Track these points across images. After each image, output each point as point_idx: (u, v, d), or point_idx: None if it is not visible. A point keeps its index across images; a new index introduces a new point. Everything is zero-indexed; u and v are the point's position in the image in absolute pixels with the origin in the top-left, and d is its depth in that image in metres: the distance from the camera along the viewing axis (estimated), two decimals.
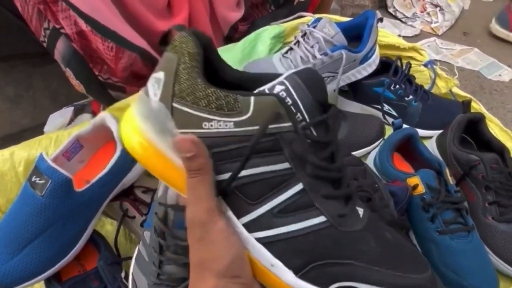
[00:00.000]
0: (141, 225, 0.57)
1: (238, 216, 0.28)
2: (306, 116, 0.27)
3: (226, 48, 0.71)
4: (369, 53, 0.68)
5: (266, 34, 0.73)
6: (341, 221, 0.28)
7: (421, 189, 0.54)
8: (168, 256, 0.45)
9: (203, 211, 0.27)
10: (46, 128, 0.72)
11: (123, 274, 0.53)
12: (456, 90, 0.76)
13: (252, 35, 0.73)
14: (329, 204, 0.28)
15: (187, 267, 0.46)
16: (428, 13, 1.10)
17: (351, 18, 0.72)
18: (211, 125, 0.26)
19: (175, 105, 0.27)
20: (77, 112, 0.75)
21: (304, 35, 0.64)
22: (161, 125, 0.27)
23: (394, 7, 1.10)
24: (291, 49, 0.65)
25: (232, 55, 0.70)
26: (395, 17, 1.11)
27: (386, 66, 0.72)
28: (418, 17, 1.09)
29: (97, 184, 0.50)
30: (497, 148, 0.61)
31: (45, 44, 0.60)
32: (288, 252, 0.27)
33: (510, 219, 0.56)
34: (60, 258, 0.48)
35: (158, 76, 0.28)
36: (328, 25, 0.62)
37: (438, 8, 1.10)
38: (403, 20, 1.09)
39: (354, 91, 0.75)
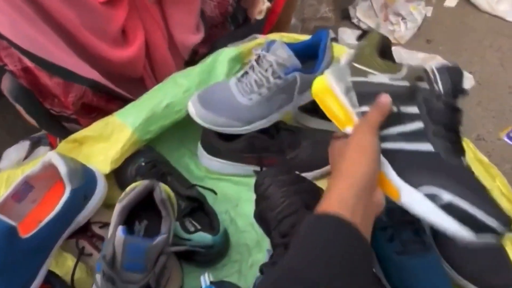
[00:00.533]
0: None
1: None
2: (441, 90, 0.40)
3: (183, 73, 0.70)
4: None
5: (223, 56, 0.72)
6: (445, 155, 0.39)
7: None
8: None
9: (369, 129, 0.40)
10: (1, 165, 0.70)
11: None
12: None
13: (210, 58, 0.72)
14: (439, 142, 0.39)
15: None
16: (391, 22, 1.11)
17: (306, 38, 0.72)
18: (374, 77, 0.43)
19: (354, 64, 0.45)
20: (34, 145, 0.73)
21: (258, 58, 0.64)
22: (340, 74, 0.45)
23: (357, 18, 1.11)
24: (246, 72, 0.65)
25: (189, 80, 0.69)
26: (359, 28, 1.12)
27: None
28: (382, 27, 1.10)
29: (46, 228, 0.49)
30: None
31: None
32: (399, 159, 0.40)
33: None
34: None
35: (349, 52, 0.47)
36: (280, 48, 0.62)
37: (400, 17, 1.12)
38: (366, 29, 1.11)
39: (315, 106, 0.75)
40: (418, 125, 0.40)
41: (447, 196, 0.36)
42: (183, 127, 0.77)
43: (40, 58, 0.54)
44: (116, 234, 0.44)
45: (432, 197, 0.37)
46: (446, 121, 0.39)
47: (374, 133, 0.40)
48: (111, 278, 0.43)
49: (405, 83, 0.41)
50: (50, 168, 0.53)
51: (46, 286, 0.53)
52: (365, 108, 0.42)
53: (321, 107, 0.47)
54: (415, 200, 0.38)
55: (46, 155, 0.53)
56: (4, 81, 0.58)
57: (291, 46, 0.64)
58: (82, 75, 0.59)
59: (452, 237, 0.37)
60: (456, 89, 0.40)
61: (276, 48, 0.62)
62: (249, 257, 0.63)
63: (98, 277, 0.47)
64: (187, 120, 0.74)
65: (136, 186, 0.50)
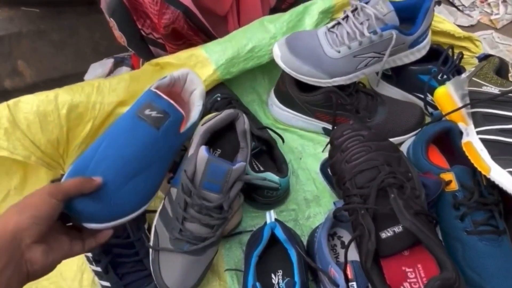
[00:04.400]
0: (168, 181, 0.58)
1: (476, 126, 0.54)
2: None
3: (271, 18, 0.69)
4: (420, 38, 0.64)
5: (314, 8, 0.70)
6: None
7: (454, 186, 0.52)
8: (191, 214, 0.46)
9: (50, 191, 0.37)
10: (86, 77, 0.74)
11: (146, 226, 0.54)
12: None
13: (301, 7, 0.70)
14: None
15: (209, 228, 0.47)
16: (489, 4, 1.01)
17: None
18: (487, 88, 0.55)
19: (473, 78, 0.57)
20: (116, 64, 0.75)
21: (354, 10, 0.61)
22: (460, 85, 0.58)
23: None
24: (338, 23, 0.63)
25: (277, 26, 0.67)
26: (452, 4, 1.03)
27: (435, 53, 0.68)
28: (477, 7, 1.01)
29: (189, 130, 0.49)
30: None
31: None
32: (494, 147, 0.51)
33: None
34: (148, 199, 0.46)
35: (470, 69, 0.60)
36: (381, 2, 0.59)
37: (501, 0, 1.02)
38: (460, 8, 1.02)
39: (397, 75, 0.72)
40: None
41: None
42: (256, 73, 0.77)
43: None
44: (199, 152, 0.45)
45: None
46: None
47: (52, 196, 0.36)
48: (190, 192, 0.45)
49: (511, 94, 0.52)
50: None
51: None
52: (474, 109, 0.55)
53: (439, 107, 0.62)
54: (501, 175, 0.48)
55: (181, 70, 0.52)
56: None
57: (391, 3, 0.60)
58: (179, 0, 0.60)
59: None
60: None
61: (376, 1, 0.59)
62: (306, 209, 0.63)
63: (174, 190, 0.48)
64: (263, 67, 0.73)
65: (219, 114, 0.51)
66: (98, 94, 0.56)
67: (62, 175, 0.59)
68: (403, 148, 0.66)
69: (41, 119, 0.53)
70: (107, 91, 0.57)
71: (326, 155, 0.55)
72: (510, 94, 0.52)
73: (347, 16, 0.61)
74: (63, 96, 0.55)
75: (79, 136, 0.56)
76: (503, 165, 0.49)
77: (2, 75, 0.76)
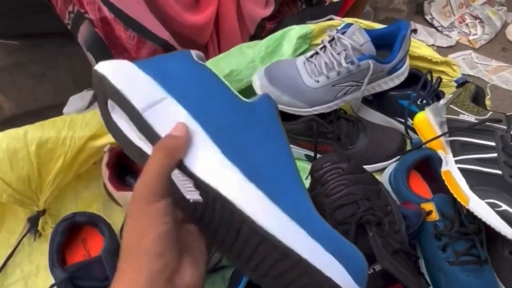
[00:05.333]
0: None
1: (454, 155, 0.54)
2: None
3: (249, 44, 0.69)
4: (398, 65, 0.65)
5: (292, 33, 0.70)
6: (509, 179, 0.49)
7: (435, 216, 0.51)
8: None
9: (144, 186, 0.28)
10: (65, 109, 0.73)
11: None
12: None
13: (279, 33, 0.71)
14: (507, 168, 0.49)
15: None
16: (467, 25, 1.04)
17: (383, 26, 0.69)
18: (463, 116, 0.55)
19: (451, 106, 0.57)
20: (96, 97, 0.75)
21: (331, 40, 0.62)
22: (438, 112, 0.58)
23: (431, 15, 1.05)
24: (316, 53, 0.63)
25: (255, 50, 0.68)
26: (431, 25, 1.06)
27: (415, 78, 0.69)
28: (456, 28, 1.03)
29: None
30: None
31: (69, 27, 0.60)
32: (472, 177, 0.50)
33: None
34: None
35: (448, 96, 0.60)
36: (357, 33, 0.59)
37: (478, 20, 1.04)
38: (439, 29, 1.04)
39: (378, 101, 0.72)
40: (493, 155, 0.51)
41: (504, 206, 0.47)
42: None
43: (120, 9, 0.55)
44: None
45: (492, 205, 0.48)
46: None
47: (147, 199, 0.28)
48: None
49: (488, 123, 0.53)
50: None
51: (98, 230, 0.54)
52: (452, 138, 0.55)
53: (419, 133, 0.62)
54: (479, 206, 0.48)
55: None
56: (81, 29, 0.59)
57: (367, 32, 0.61)
58: (156, 33, 0.60)
59: (505, 237, 0.47)
60: None
61: (352, 32, 0.60)
62: None
63: None
64: (247, 95, 0.73)
65: None
66: (69, 129, 0.56)
67: (38, 212, 0.59)
68: (386, 174, 0.66)
69: (11, 156, 0.52)
70: (79, 126, 0.56)
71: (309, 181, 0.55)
72: (486, 123, 0.53)
73: (324, 46, 0.62)
74: (32, 133, 0.54)
75: (52, 172, 0.56)
76: (481, 196, 0.49)
77: None
